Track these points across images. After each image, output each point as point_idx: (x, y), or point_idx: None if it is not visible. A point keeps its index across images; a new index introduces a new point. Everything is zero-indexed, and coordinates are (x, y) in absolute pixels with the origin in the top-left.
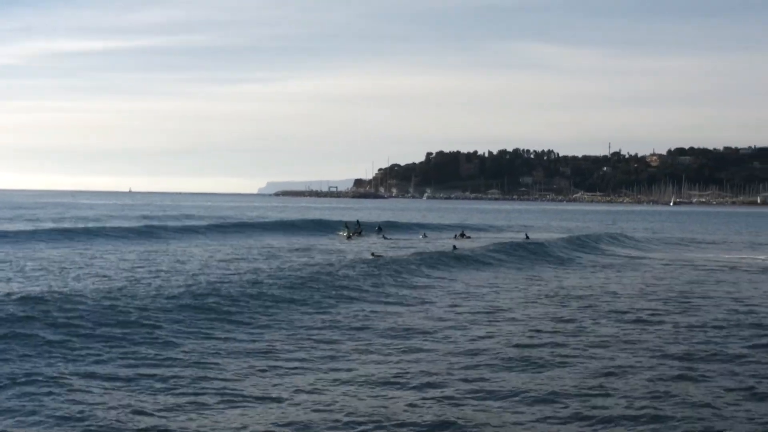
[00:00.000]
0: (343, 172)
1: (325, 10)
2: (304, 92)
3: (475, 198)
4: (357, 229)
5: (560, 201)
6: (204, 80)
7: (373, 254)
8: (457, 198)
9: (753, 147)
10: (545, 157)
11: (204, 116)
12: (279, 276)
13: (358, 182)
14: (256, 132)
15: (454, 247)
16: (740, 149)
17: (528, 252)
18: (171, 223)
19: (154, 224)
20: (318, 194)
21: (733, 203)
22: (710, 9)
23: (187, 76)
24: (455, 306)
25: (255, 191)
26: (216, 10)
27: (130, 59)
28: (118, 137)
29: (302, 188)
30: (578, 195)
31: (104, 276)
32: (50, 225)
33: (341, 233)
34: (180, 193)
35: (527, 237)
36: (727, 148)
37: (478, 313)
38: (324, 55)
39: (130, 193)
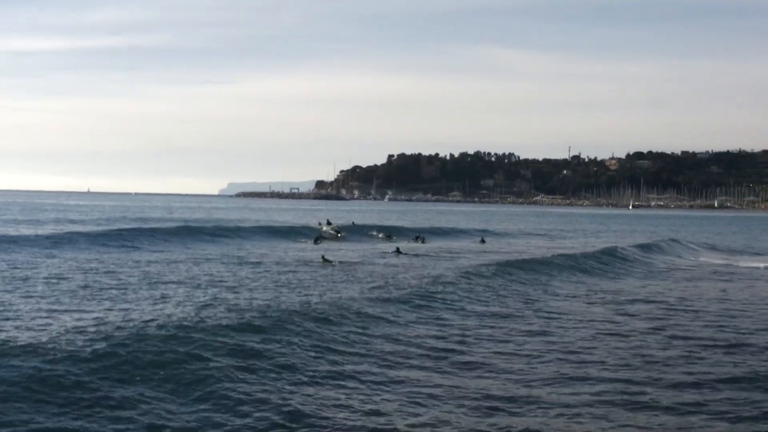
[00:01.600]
0: (305, 174)
1: (283, 12)
2: (265, 94)
3: (437, 200)
4: (335, 228)
5: (521, 204)
6: (162, 81)
7: (323, 258)
8: (418, 200)
9: (710, 152)
10: (506, 160)
11: (163, 117)
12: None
13: (320, 184)
14: (217, 133)
15: (398, 249)
16: (698, 154)
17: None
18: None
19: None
20: (279, 195)
21: (691, 207)
22: (668, 15)
23: (144, 76)
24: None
25: (216, 192)
26: (173, 11)
27: (87, 59)
28: (75, 138)
29: (264, 189)
30: (539, 198)
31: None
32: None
33: (323, 228)
34: (139, 194)
35: (483, 241)
36: (684, 153)
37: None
38: (284, 57)
39: (90, 194)
